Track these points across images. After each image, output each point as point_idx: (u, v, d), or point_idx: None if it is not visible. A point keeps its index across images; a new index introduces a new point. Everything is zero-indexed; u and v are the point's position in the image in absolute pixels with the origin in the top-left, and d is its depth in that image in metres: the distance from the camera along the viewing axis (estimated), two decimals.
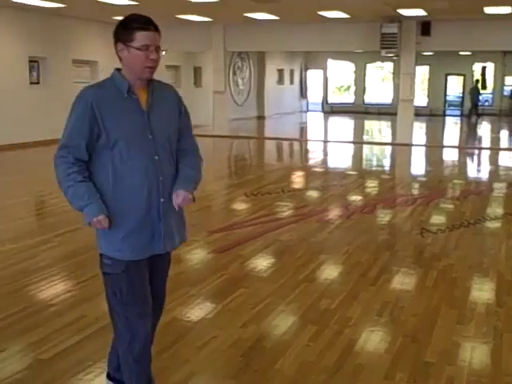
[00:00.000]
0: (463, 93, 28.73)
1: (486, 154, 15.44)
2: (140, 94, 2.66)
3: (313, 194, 9.37)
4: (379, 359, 3.63)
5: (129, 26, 2.58)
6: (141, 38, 2.55)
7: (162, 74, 16.06)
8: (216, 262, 5.56)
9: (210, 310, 4.35)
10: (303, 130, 22.71)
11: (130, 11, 2.81)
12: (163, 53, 2.59)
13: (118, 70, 2.68)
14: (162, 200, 2.69)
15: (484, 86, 27.46)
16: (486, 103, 27.81)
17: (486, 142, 19.40)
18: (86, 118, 2.56)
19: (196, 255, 5.78)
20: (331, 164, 13.56)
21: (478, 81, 26.53)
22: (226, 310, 4.38)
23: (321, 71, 30.10)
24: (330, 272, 5.39)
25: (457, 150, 15.99)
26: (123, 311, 2.74)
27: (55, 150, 2.64)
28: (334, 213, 7.80)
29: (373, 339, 3.91)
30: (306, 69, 29.85)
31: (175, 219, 2.80)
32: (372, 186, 10.25)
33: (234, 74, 23.13)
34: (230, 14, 14.88)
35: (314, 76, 30.18)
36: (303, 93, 29.94)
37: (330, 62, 29.95)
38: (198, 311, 4.34)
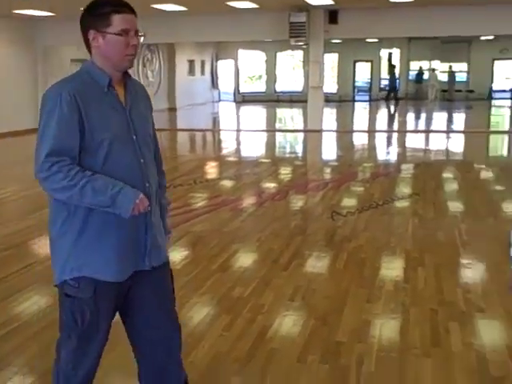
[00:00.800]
0: (371, 78, 29.53)
1: (394, 137, 15.94)
2: (118, 89, 2.33)
3: (226, 183, 9.36)
4: (292, 343, 3.65)
5: (102, 10, 2.25)
6: (118, 21, 2.24)
7: (67, 69, 15.59)
8: None
9: None
10: (215, 121, 22.65)
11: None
12: (142, 38, 2.38)
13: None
14: (148, 208, 2.34)
15: (391, 71, 28.31)
16: None
17: (395, 124, 20.03)
18: (74, 112, 2.16)
19: None
20: (244, 153, 13.58)
21: (394, 66, 27.43)
22: None
23: (232, 61, 30.10)
24: (242, 260, 5.40)
25: (366, 134, 16.42)
26: (79, 338, 2.36)
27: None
28: (246, 201, 7.82)
29: (285, 324, 3.94)
30: (217, 59, 29.78)
31: (160, 231, 2.51)
32: (284, 172, 10.35)
33: (144, 66, 22.73)
34: (137, 6, 14.49)
35: (225, 66, 30.14)
36: (215, 83, 29.86)
37: (241, 52, 30.00)
38: None
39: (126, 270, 2.36)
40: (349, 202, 7.68)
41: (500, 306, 4.20)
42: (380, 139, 15.57)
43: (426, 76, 27.54)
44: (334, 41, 22.11)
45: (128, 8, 2.31)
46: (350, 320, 3.97)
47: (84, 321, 2.32)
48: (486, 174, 9.92)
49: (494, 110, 24.61)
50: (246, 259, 5.44)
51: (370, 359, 3.44)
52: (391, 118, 22.63)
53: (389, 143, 15.11)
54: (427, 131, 16.83)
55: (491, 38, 23.66)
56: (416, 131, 17.19)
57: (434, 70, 26.39)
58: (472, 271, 4.99)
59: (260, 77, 31.85)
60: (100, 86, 2.27)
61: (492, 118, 21.95)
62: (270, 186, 9.03)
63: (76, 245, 2.29)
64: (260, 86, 31.27)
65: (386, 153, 13.50)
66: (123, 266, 2.35)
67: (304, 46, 18.98)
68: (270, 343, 3.66)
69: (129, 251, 2.35)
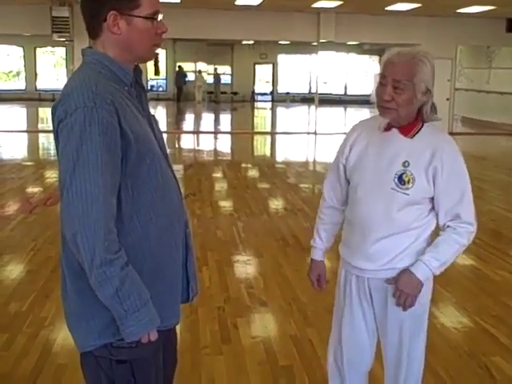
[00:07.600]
0: None
1: (166, 138, 15.97)
2: None
3: None
4: (77, 356, 3.45)
5: None
6: (149, 0, 1.70)
7: None
8: None
9: None
10: None
11: None
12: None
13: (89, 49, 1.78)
14: (187, 230, 1.90)
15: (157, 72, 28.44)
16: (160, 88, 28.90)
17: (168, 125, 20.15)
18: (116, 135, 1.60)
19: None
20: (5, 156, 12.55)
21: (180, 66, 27.63)
22: None
23: None
24: (16, 272, 4.96)
25: None
26: None
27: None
28: (14, 208, 7.25)
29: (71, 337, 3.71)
30: None
31: None
32: (54, 176, 9.80)
33: None
34: None
35: None
36: None
37: None
38: None
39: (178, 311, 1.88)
40: None
41: (280, 298, 4.45)
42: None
43: (190, 77, 28.18)
44: None
45: None
46: None
47: None
48: (254, 173, 10.46)
49: (256, 112, 26.09)
50: (19, 271, 5.01)
51: None
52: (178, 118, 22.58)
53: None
54: (198, 132, 17.23)
55: (251, 42, 25.07)
56: (188, 132, 17.50)
57: (200, 71, 27.17)
58: (252, 267, 5.20)
59: (18, 73, 29.92)
60: (122, 84, 1.72)
61: (255, 120, 23.24)
62: (40, 190, 8.49)
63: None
64: (19, 84, 29.35)
65: None
66: (178, 305, 1.87)
67: (67, 42, 18.25)
68: (57, 357, 3.44)
69: (180, 285, 1.86)
